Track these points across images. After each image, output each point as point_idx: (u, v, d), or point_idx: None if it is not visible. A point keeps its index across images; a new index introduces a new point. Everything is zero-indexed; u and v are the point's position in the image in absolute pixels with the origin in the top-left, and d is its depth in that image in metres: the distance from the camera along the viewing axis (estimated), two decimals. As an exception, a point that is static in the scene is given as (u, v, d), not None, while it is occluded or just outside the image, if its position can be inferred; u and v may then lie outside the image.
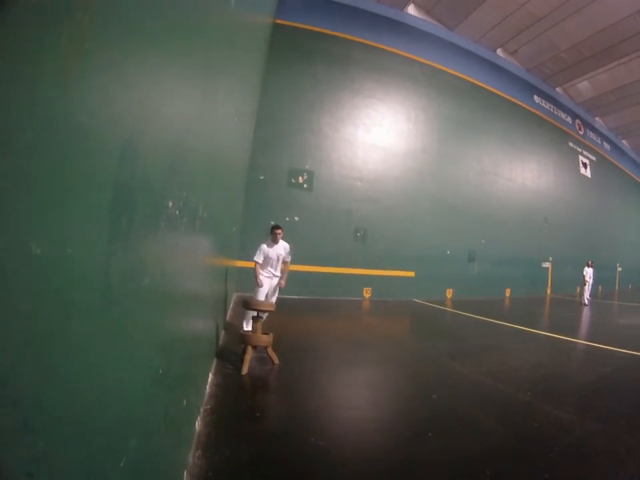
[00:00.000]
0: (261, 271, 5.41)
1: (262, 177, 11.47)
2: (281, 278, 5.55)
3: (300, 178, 12.02)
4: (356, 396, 3.80)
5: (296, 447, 2.56)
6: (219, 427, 2.68)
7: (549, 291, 19.43)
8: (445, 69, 16.20)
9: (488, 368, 4.83)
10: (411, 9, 16.64)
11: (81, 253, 0.76)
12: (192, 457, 2.24)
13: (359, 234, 12.24)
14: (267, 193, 11.53)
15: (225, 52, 2.63)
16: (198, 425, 2.63)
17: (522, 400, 3.72)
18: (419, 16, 16.80)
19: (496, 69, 18.91)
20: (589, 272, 14.51)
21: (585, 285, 14.48)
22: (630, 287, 28.07)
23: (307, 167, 12.16)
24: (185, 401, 2.10)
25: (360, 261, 12.14)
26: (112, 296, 0.92)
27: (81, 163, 0.74)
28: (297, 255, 11.18)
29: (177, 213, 1.53)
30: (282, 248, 5.50)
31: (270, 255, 5.45)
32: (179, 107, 1.49)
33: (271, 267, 5.51)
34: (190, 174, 1.78)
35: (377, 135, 13.38)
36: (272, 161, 11.70)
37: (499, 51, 19.81)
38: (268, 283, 5.49)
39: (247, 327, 5.14)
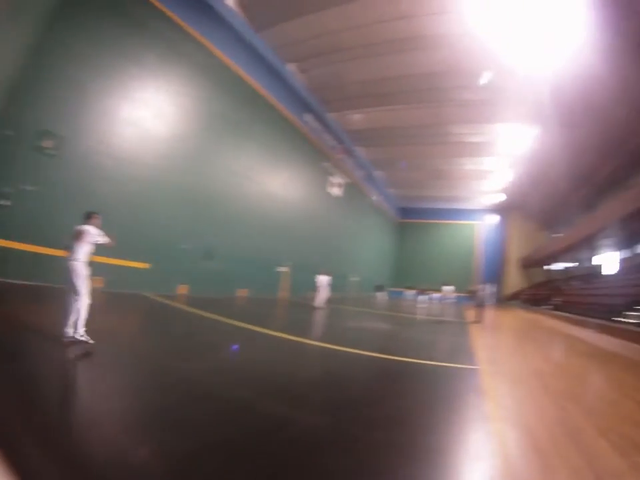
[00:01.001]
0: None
1: (10, 133, 9.34)
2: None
3: (48, 142, 10.22)
4: (55, 399, 3.33)
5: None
6: None
7: (284, 294, 20.84)
8: (233, 66, 16.57)
9: (212, 365, 4.86)
10: (228, -2, 16.33)
11: None
12: None
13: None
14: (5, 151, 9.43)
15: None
16: None
17: (244, 397, 3.75)
18: (231, 7, 16.65)
19: (280, 80, 20.29)
20: (322, 279, 16.04)
21: (317, 290, 15.94)
22: (364, 295, 33.33)
23: (59, 131, 10.44)
24: None
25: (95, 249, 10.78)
26: None
27: None
28: (17, 230, 9.59)
29: None
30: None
31: None
32: None
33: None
34: None
35: (143, 114, 12.65)
36: (23, 118, 9.65)
37: (291, 65, 21.33)
38: None
39: None
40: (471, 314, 20.03)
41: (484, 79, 19.57)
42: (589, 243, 25.93)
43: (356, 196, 32.38)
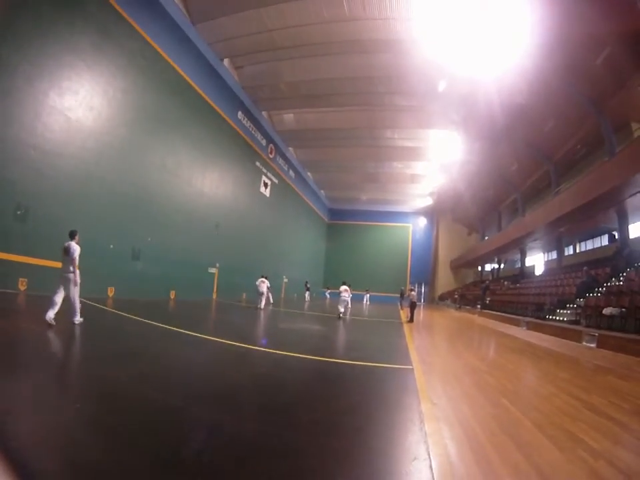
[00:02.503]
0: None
1: None
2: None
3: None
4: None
5: None
6: None
7: (214, 296, 20.28)
8: (166, 57, 15.78)
9: (140, 371, 4.54)
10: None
11: None
12: None
13: (19, 212, 9.90)
14: None
15: None
16: None
17: (172, 405, 3.51)
18: (173, -3, 15.92)
19: (214, 75, 19.62)
20: (262, 283, 16.13)
21: (259, 293, 15.95)
22: (295, 295, 33.36)
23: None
24: None
25: (18, 246, 9.73)
26: None
27: None
28: None
29: None
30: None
31: None
32: None
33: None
34: None
35: (69, 103, 11.41)
36: None
37: (226, 61, 20.76)
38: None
39: None
40: (403, 314, 20.58)
41: (429, 86, 20.08)
42: (518, 246, 27.44)
43: (286, 196, 32.31)
